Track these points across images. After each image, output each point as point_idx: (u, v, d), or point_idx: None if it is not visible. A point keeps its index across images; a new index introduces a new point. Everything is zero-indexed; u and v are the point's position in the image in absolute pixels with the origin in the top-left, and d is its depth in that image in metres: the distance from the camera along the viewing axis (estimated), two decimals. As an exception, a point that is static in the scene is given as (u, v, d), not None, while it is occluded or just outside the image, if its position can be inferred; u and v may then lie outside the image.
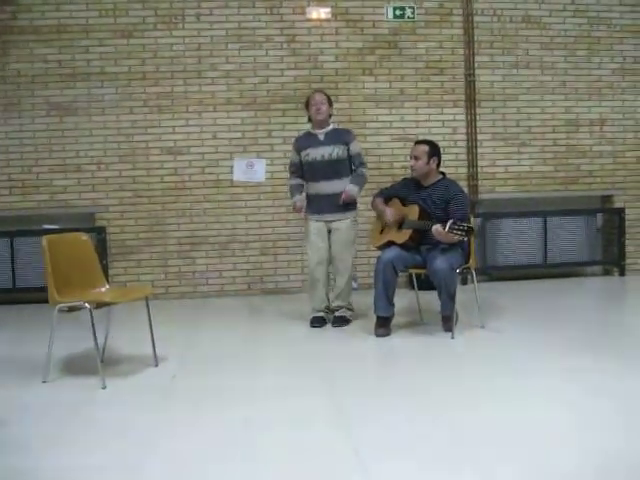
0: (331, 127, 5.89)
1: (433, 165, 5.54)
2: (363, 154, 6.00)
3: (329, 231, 5.88)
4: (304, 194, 5.94)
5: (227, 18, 7.61)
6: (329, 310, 5.99)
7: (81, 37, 7.42)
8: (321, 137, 5.81)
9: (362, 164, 5.89)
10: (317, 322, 5.89)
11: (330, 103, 5.90)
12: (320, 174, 5.75)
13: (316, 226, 5.88)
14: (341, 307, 5.92)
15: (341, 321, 5.86)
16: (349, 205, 5.85)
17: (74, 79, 7.44)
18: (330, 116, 5.92)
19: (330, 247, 5.89)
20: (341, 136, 5.85)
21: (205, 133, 7.63)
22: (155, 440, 3.41)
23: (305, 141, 5.89)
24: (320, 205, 5.82)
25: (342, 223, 5.82)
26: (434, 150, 5.56)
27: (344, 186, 5.77)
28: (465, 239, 5.12)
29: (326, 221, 5.85)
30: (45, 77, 7.41)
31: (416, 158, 5.55)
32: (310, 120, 5.95)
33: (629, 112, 8.28)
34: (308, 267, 6.06)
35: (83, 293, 4.56)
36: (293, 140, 6.11)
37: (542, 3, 8.05)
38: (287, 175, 6.18)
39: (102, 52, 7.45)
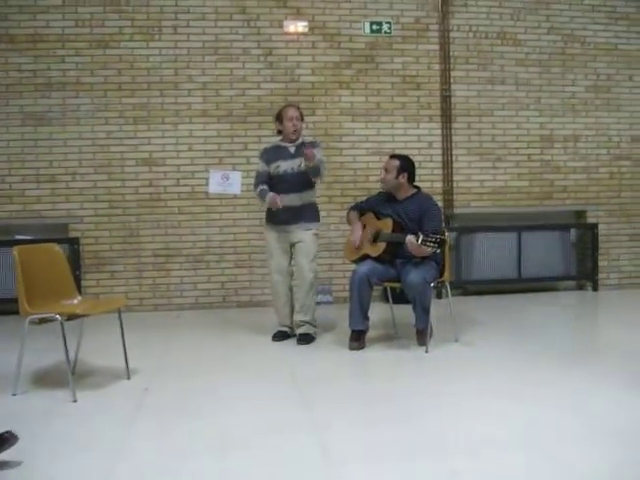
0: (300, 140, 5.83)
1: (402, 180, 5.56)
2: (325, 162, 5.93)
3: (292, 245, 5.81)
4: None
5: (204, 30, 7.61)
6: (292, 326, 5.90)
7: (57, 47, 7.39)
8: (292, 150, 5.76)
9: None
10: (278, 336, 5.86)
11: (302, 118, 5.89)
12: (290, 186, 5.67)
13: (278, 238, 5.79)
14: (304, 323, 5.77)
15: (306, 339, 5.71)
16: (315, 217, 5.83)
17: (49, 89, 7.40)
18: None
19: (294, 260, 5.83)
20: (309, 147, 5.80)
21: (181, 145, 7.61)
22: (125, 454, 3.37)
23: (275, 153, 5.80)
24: (285, 217, 5.70)
25: (305, 235, 5.73)
26: (405, 165, 5.57)
27: (311, 198, 5.78)
28: (438, 251, 5.13)
29: (289, 232, 5.75)
30: (20, 86, 7.35)
31: (386, 171, 5.58)
32: (279, 132, 5.89)
33: (602, 129, 8.39)
34: (270, 280, 5.99)
35: (55, 304, 4.50)
36: (261, 151, 6.00)
37: (517, 20, 8.16)
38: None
39: (78, 62, 7.42)
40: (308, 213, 5.77)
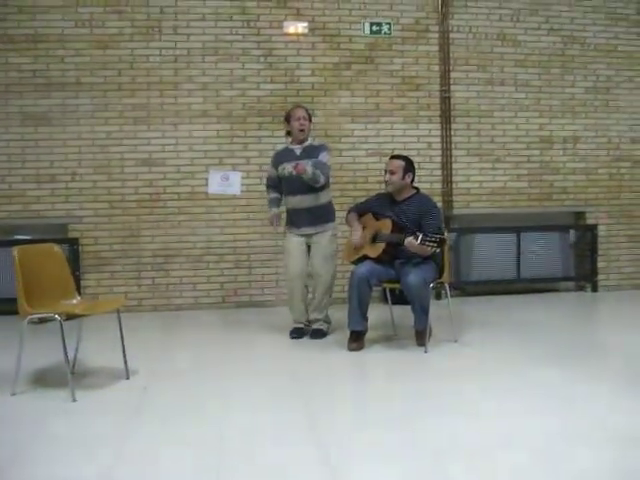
0: (309, 142, 5.89)
1: (408, 180, 5.57)
2: (328, 167, 5.82)
3: (309, 245, 5.88)
4: (281, 208, 5.97)
5: (204, 31, 7.61)
6: (309, 323, 6.01)
7: (57, 47, 7.38)
8: (298, 152, 5.82)
9: (322, 172, 5.66)
10: (295, 333, 5.95)
11: (310, 119, 5.93)
12: (296, 188, 5.74)
13: (295, 240, 5.87)
14: (318, 320, 5.94)
15: (318, 334, 5.88)
16: (327, 218, 5.86)
17: (49, 89, 7.39)
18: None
19: (310, 261, 5.89)
20: (315, 150, 5.82)
21: (181, 145, 7.61)
22: (124, 454, 3.37)
23: (282, 156, 5.89)
24: (299, 219, 5.81)
25: (322, 237, 5.81)
26: (409, 165, 5.59)
27: (320, 199, 5.78)
28: (437, 250, 5.13)
29: (305, 235, 5.85)
30: (20, 86, 7.35)
31: (392, 173, 5.56)
32: (288, 134, 5.96)
33: (602, 130, 8.39)
34: (286, 280, 6.06)
35: (54, 304, 4.51)
36: (272, 154, 6.10)
37: (517, 21, 8.16)
38: (263, 188, 6.15)
39: (78, 62, 7.41)
40: (321, 214, 5.82)
